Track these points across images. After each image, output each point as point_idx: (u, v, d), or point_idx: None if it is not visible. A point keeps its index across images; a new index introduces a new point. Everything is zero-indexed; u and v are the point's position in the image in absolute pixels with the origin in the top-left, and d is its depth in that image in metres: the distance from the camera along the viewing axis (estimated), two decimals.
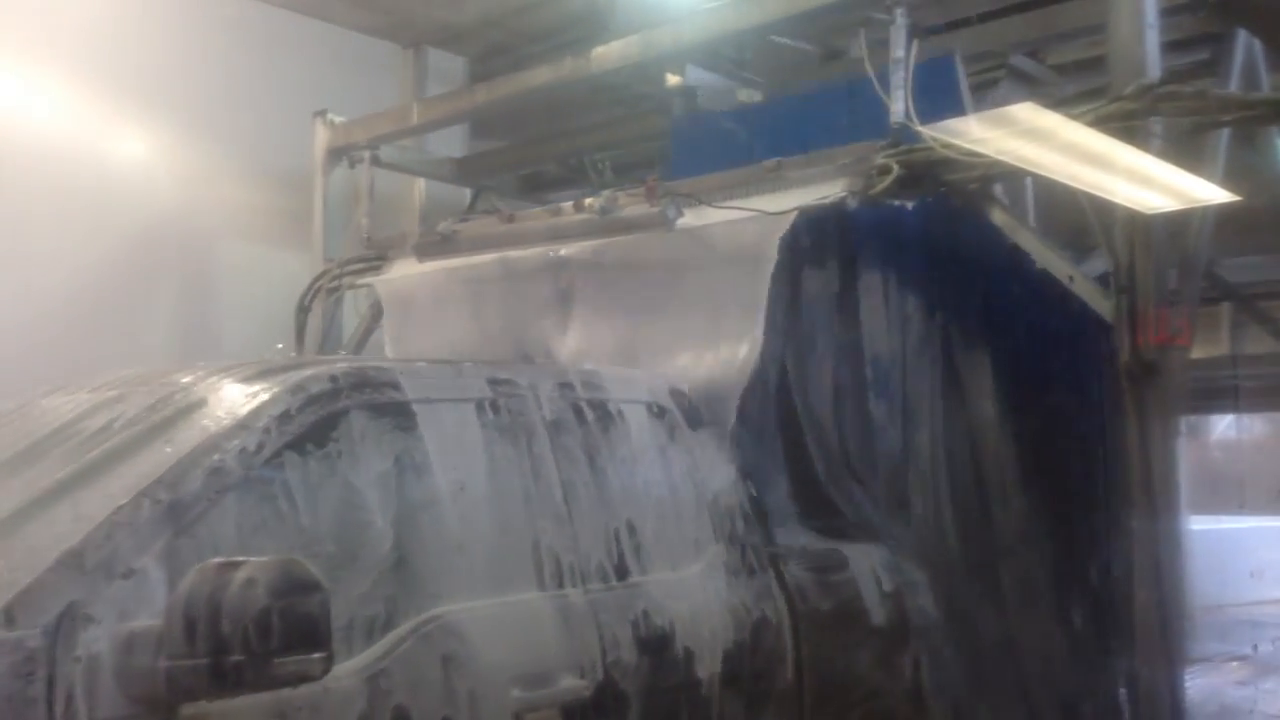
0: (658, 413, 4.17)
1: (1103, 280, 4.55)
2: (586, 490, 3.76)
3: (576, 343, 5.32)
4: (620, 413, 4.03)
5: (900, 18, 4.70)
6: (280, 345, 3.66)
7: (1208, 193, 4.38)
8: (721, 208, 4.91)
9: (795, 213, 4.67)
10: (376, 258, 6.71)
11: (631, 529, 3.84)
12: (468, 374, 3.70)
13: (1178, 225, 4.58)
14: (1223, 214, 4.88)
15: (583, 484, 3.76)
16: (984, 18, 5.91)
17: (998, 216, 4.71)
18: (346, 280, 6.83)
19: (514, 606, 3.41)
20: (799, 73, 6.80)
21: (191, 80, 7.12)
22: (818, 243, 4.96)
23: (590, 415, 3.93)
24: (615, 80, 6.13)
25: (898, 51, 4.70)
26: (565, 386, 3.92)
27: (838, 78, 5.83)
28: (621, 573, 3.73)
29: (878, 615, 4.50)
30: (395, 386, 3.41)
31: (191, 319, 7.24)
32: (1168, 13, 4.62)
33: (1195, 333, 4.61)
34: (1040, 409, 5.23)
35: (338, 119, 7.10)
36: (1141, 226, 4.35)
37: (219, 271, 7.47)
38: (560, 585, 3.55)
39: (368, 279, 6.63)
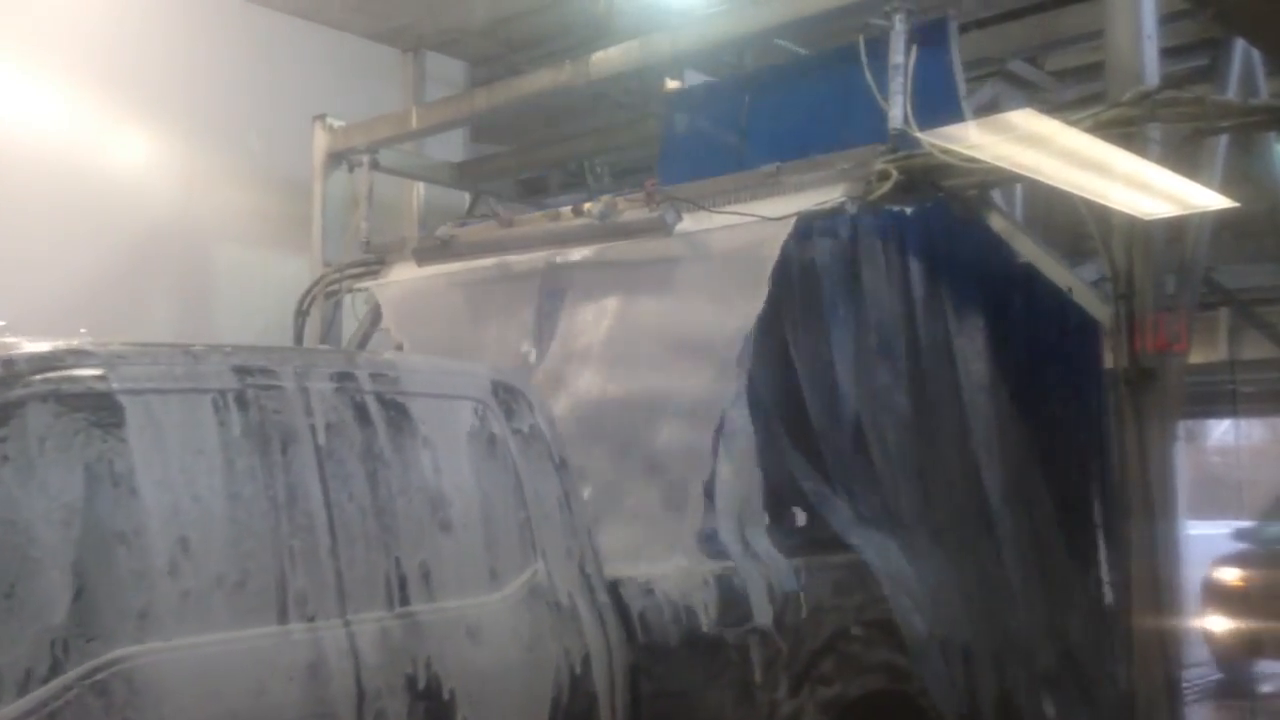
0: (474, 411, 3.58)
1: (1100, 286, 4.56)
2: (361, 504, 3.17)
3: (574, 347, 5.32)
4: (420, 411, 3.41)
5: (899, 24, 4.71)
6: None
7: (1206, 199, 4.39)
8: (720, 213, 4.92)
9: (794, 218, 4.67)
10: (375, 262, 6.71)
11: (422, 550, 3.24)
12: (206, 360, 3.04)
13: (1176, 231, 4.59)
14: (1220, 220, 4.89)
15: (357, 497, 3.16)
16: (983, 23, 5.92)
17: (996, 222, 4.71)
18: (345, 284, 6.83)
19: (236, 646, 2.82)
20: None
21: (191, 84, 7.12)
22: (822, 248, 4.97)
23: (378, 414, 3.31)
24: (615, 85, 6.13)
25: (897, 57, 4.70)
26: (345, 379, 3.29)
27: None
28: (400, 603, 3.14)
29: (742, 643, 3.95)
30: (97, 373, 2.78)
31: (190, 322, 7.23)
32: (1166, 19, 4.63)
33: (1193, 338, 4.61)
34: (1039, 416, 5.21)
35: (337, 123, 7.10)
36: (1140, 232, 4.36)
37: (218, 275, 7.47)
38: (309, 619, 2.94)
39: (366, 283, 6.64)
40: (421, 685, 3.06)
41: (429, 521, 3.32)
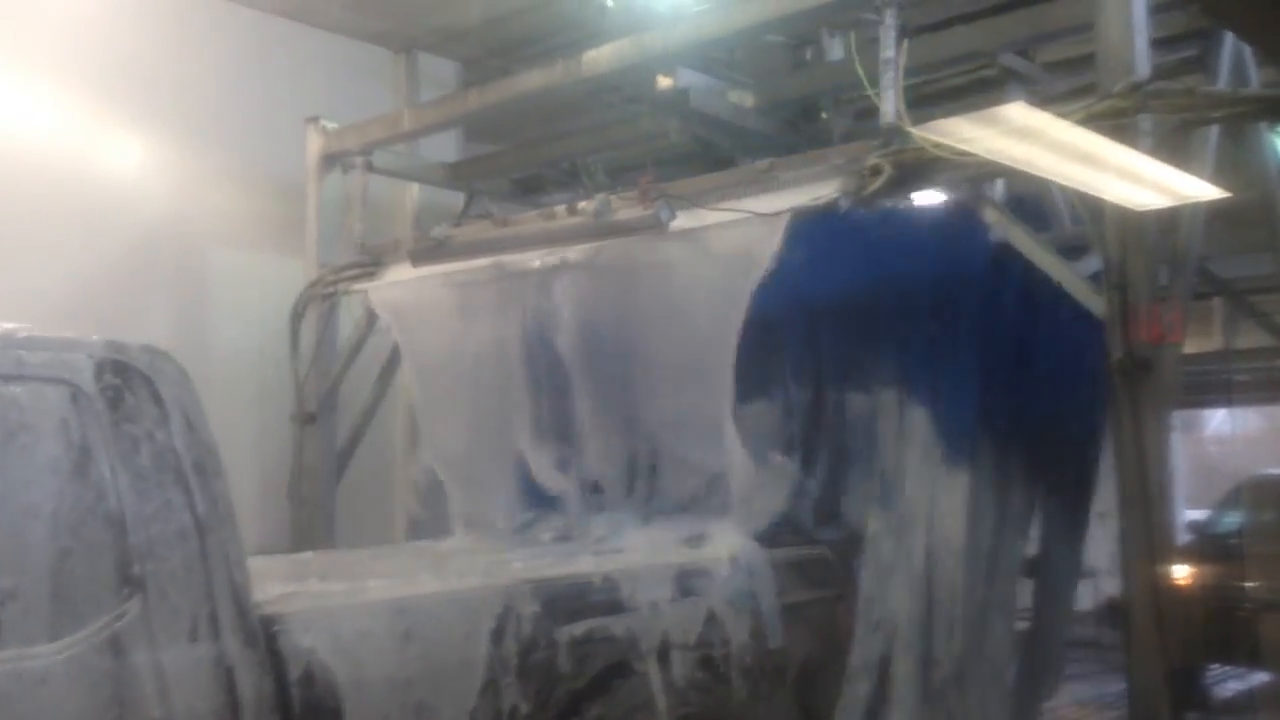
0: (55, 400, 2.73)
1: (1094, 278, 4.57)
2: None
3: (573, 345, 5.34)
4: None
5: (890, 18, 4.72)
6: None
7: (1197, 189, 4.40)
8: (715, 210, 4.93)
9: (789, 214, 4.69)
10: (370, 263, 6.72)
11: None
12: None
13: (1168, 222, 4.60)
14: (1213, 210, 4.89)
15: None
16: (972, 18, 5.92)
17: (989, 215, 4.73)
18: (341, 286, 6.84)
19: None
20: (788, 73, 6.82)
21: (184, 87, 7.12)
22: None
23: None
24: (607, 83, 6.13)
25: (887, 51, 4.71)
26: None
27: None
28: None
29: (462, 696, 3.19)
30: None
31: (186, 326, 7.23)
32: (1156, 10, 4.63)
33: (1188, 328, 4.62)
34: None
35: (330, 125, 7.10)
36: (1133, 224, 4.37)
37: (213, 278, 7.46)
38: None
39: (362, 285, 6.65)
40: None
41: None
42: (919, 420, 4.85)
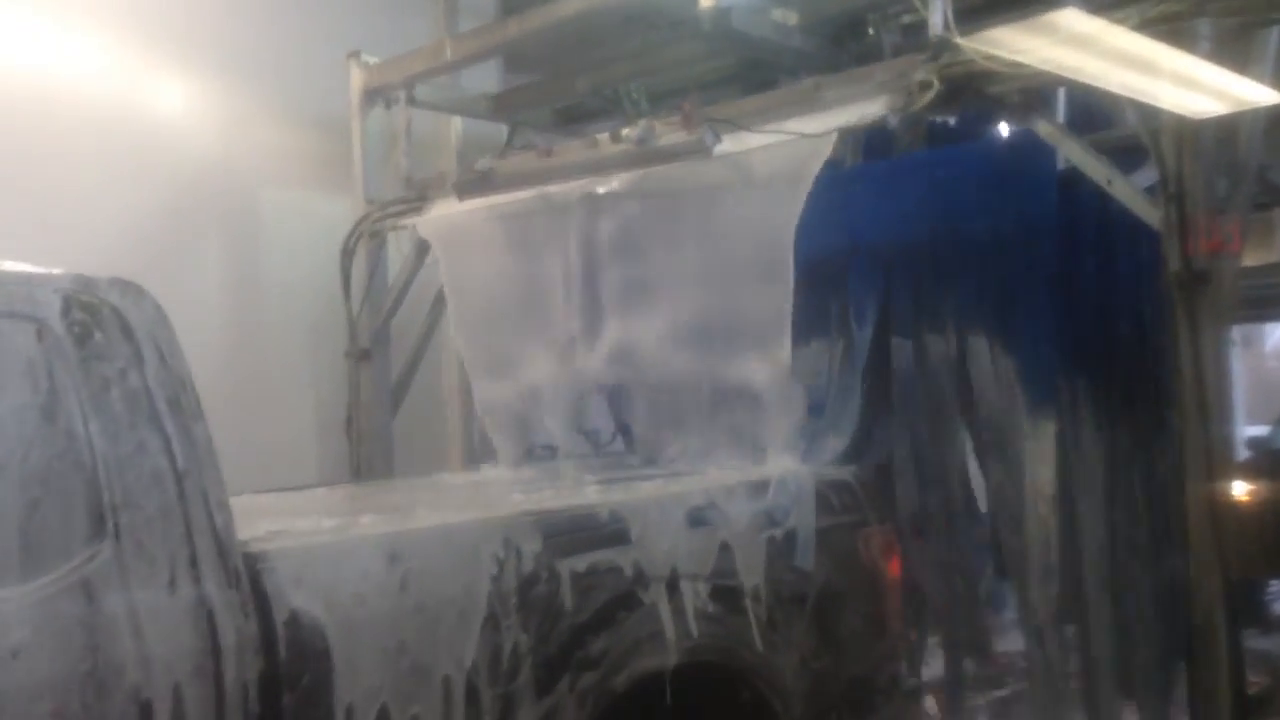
0: (19, 336, 2.60)
1: (1151, 190, 4.48)
2: None
3: (621, 276, 5.33)
4: None
5: None
6: None
7: (1257, 94, 4.28)
8: (760, 132, 4.87)
9: (835, 134, 4.63)
10: (416, 198, 6.74)
11: None
12: None
13: (1227, 130, 4.47)
14: (1273, 117, 4.76)
15: None
16: None
17: (1043, 128, 4.63)
18: (389, 222, 6.87)
19: None
20: None
21: (224, 25, 7.11)
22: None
23: None
24: (647, 6, 6.05)
25: None
26: None
27: None
28: None
29: (472, 640, 3.10)
30: None
31: (238, 266, 7.31)
32: None
33: (1247, 240, 4.53)
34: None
35: (371, 60, 7.08)
36: (1190, 132, 4.27)
37: (262, 217, 7.51)
38: None
39: (409, 219, 6.67)
40: None
41: None
42: (1000, 370, 4.84)
